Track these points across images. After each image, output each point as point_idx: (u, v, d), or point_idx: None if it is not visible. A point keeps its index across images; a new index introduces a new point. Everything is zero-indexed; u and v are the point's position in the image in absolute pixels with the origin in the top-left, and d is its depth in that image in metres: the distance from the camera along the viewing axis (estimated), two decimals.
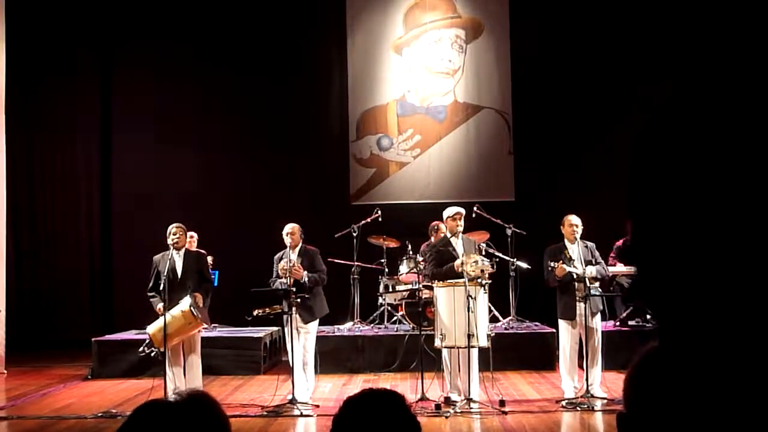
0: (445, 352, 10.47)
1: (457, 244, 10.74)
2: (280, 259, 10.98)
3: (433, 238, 13.61)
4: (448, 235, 10.92)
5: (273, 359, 14.01)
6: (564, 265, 10.23)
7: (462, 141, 17.66)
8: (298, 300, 10.56)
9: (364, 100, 17.84)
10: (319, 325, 11.56)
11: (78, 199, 18.14)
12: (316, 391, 11.45)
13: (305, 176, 17.54)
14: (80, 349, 14.92)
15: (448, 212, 10.94)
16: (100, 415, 10.07)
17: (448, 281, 10.38)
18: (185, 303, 10.42)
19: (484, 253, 11.27)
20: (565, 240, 10.62)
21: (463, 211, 10.94)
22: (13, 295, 16.05)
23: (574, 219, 10.66)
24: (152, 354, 10.60)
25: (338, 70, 17.89)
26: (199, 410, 2.08)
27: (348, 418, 2.60)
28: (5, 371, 14.00)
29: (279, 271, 10.69)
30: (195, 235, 13.50)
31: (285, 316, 10.77)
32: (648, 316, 13.71)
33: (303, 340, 10.87)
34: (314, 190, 17.36)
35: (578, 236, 10.59)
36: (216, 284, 13.47)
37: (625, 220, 1.65)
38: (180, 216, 11.78)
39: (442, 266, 10.63)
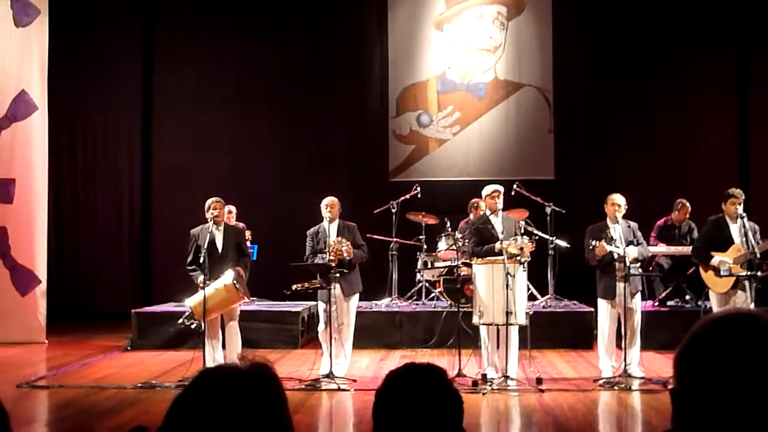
0: (483, 329, 10.46)
1: (497, 222, 10.71)
2: (316, 233, 10.96)
3: (472, 216, 13.59)
4: (488, 212, 10.90)
5: (310, 333, 14.05)
6: (605, 244, 10.17)
7: (502, 118, 17.57)
8: (337, 275, 10.57)
9: (404, 76, 17.78)
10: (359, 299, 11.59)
11: (118, 171, 18.22)
12: (353, 366, 11.48)
13: (344, 152, 17.52)
14: (119, 321, 15.04)
15: (487, 190, 10.91)
16: (139, 385, 10.15)
17: (488, 258, 10.36)
18: (228, 277, 10.47)
19: (523, 231, 11.24)
20: (608, 219, 10.55)
21: (501, 188, 10.89)
22: (53, 267, 16.18)
23: (617, 198, 10.57)
24: (192, 326, 10.65)
25: (379, 46, 17.84)
26: (260, 381, 2.09)
27: (390, 391, 2.61)
28: (46, 341, 14.13)
29: (329, 248, 10.63)
30: (234, 209, 13.53)
31: (322, 291, 10.77)
32: (687, 297, 13.65)
33: (342, 315, 10.86)
34: (353, 166, 17.34)
35: (620, 216, 10.51)
36: (254, 258, 13.53)
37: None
38: (218, 190, 11.83)
39: (482, 245, 10.61)
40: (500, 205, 10.76)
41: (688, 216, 13.88)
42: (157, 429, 2.09)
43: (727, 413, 1.68)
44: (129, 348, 13.45)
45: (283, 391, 2.15)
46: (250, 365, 2.13)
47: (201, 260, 10.43)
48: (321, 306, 10.94)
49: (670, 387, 1.80)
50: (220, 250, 10.77)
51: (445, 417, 2.59)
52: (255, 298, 14.09)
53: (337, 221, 10.91)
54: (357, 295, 11.18)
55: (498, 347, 10.32)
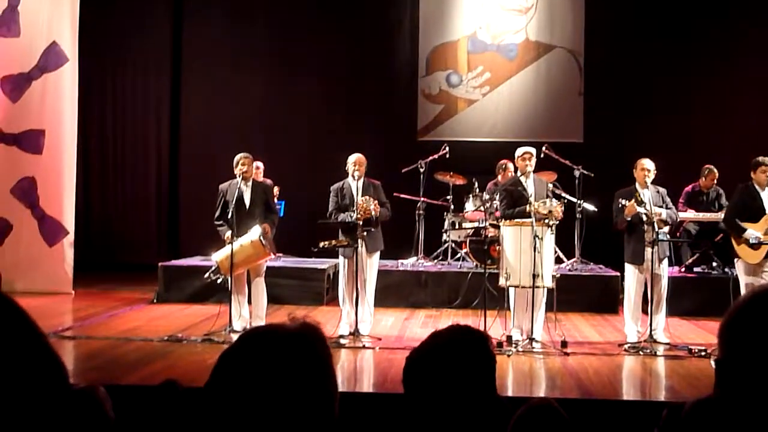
0: (512, 291, 10.46)
1: (528, 184, 10.68)
2: (341, 189, 10.96)
3: (500, 177, 13.58)
4: (519, 174, 10.87)
5: (335, 291, 14.09)
6: (635, 203, 10.12)
7: (532, 80, 17.50)
8: (365, 233, 10.58)
9: (434, 35, 17.71)
10: (382, 259, 11.61)
11: (147, 125, 18.29)
12: (377, 324, 11.52)
13: (373, 110, 17.45)
14: (146, 274, 15.11)
15: (518, 152, 10.89)
16: (166, 338, 10.20)
17: (516, 221, 10.34)
18: (255, 233, 10.51)
19: (552, 194, 11.21)
20: (636, 184, 10.49)
21: (533, 150, 10.85)
22: (81, 218, 16.26)
23: (647, 163, 10.51)
24: (218, 281, 10.71)
25: (410, 5, 17.74)
26: (308, 341, 2.09)
27: (433, 350, 2.62)
28: (73, 292, 14.22)
29: (356, 206, 10.63)
30: (261, 165, 13.55)
31: (344, 249, 10.80)
32: (714, 263, 13.61)
33: (366, 272, 10.87)
34: (382, 125, 17.27)
35: (650, 181, 10.46)
36: (282, 215, 13.55)
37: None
38: (247, 145, 11.83)
39: (513, 207, 10.59)
40: (530, 168, 10.72)
41: (715, 182, 13.82)
42: (203, 382, 2.10)
43: None
44: (155, 301, 13.53)
45: (330, 353, 2.15)
46: (299, 325, 2.12)
47: (228, 215, 10.49)
48: (342, 262, 10.97)
49: (714, 357, 1.79)
50: (247, 206, 10.80)
51: (480, 379, 2.60)
52: (281, 254, 14.19)
53: (362, 179, 10.89)
54: (378, 253, 11.19)
55: (525, 309, 10.32)
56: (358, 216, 10.52)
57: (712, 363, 1.78)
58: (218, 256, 10.67)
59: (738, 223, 10.41)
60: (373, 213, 10.55)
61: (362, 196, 10.67)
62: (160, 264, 14.09)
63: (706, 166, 13.89)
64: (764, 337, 1.70)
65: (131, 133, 18.28)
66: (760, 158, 10.43)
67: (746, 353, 1.72)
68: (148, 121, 18.29)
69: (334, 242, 10.75)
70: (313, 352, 2.08)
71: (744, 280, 10.36)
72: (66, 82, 14.52)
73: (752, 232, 10.22)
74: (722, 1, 16.92)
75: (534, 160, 10.80)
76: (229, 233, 10.49)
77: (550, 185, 11.67)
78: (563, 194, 13.05)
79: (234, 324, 10.68)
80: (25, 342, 2.24)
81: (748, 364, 1.71)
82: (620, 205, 10.27)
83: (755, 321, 1.73)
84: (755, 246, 10.16)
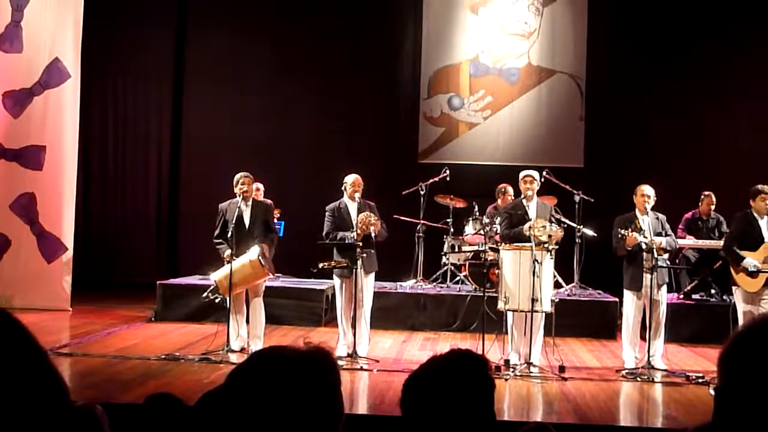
0: (510, 315, 10.46)
1: (531, 207, 10.71)
2: (337, 209, 10.95)
3: (500, 201, 13.61)
4: (521, 197, 10.90)
5: (334, 311, 14.07)
6: (636, 234, 10.14)
7: (534, 104, 17.54)
8: (364, 255, 10.59)
9: (437, 58, 17.76)
10: (381, 281, 11.61)
11: (148, 143, 18.32)
12: (375, 346, 11.53)
13: (375, 131, 17.48)
14: (144, 292, 15.10)
15: (521, 175, 10.94)
16: (163, 357, 10.19)
17: (515, 245, 10.35)
18: (254, 252, 10.52)
19: (552, 218, 11.23)
20: (636, 210, 10.51)
21: (535, 174, 10.89)
22: (80, 235, 16.26)
23: (647, 189, 10.52)
24: (216, 300, 10.74)
25: (413, 26, 17.80)
26: (319, 365, 2.10)
27: (432, 373, 2.62)
28: (70, 309, 14.19)
29: (356, 224, 10.63)
30: (261, 186, 13.58)
31: (343, 270, 10.78)
32: (712, 291, 13.61)
33: (362, 293, 10.85)
34: (383, 146, 17.30)
35: (650, 207, 10.47)
36: (281, 235, 13.55)
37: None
38: (248, 165, 11.84)
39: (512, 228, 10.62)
40: (531, 192, 10.75)
41: (713, 208, 13.83)
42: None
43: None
44: (153, 319, 13.50)
45: (339, 378, 2.16)
46: (312, 349, 2.14)
47: (228, 234, 10.50)
48: (338, 284, 10.96)
49: (713, 385, 1.80)
50: (247, 226, 10.83)
51: (479, 403, 2.60)
52: (280, 275, 14.17)
53: (357, 199, 10.89)
54: (374, 274, 11.18)
55: (524, 334, 10.32)
56: (358, 233, 10.52)
57: (711, 391, 1.78)
58: (217, 276, 10.69)
59: (736, 251, 10.41)
60: (372, 230, 10.54)
61: (364, 213, 10.68)
62: (158, 282, 14.08)
63: (704, 192, 13.91)
64: (764, 366, 1.70)
65: (132, 150, 18.30)
66: (760, 186, 10.44)
67: (745, 382, 1.72)
68: (149, 139, 18.32)
69: (333, 263, 10.75)
70: (324, 377, 2.09)
71: (742, 308, 10.35)
72: (68, 98, 14.54)
73: (750, 260, 10.22)
74: (723, 27, 16.94)
75: (536, 184, 10.83)
76: (228, 252, 10.51)
77: (553, 209, 11.68)
78: (563, 219, 13.06)
79: (232, 344, 10.68)
80: (27, 358, 2.25)
81: (747, 394, 1.71)
82: (620, 235, 10.27)
83: (755, 350, 1.74)
84: (753, 274, 10.17)
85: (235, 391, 2.04)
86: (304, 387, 2.03)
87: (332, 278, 11.21)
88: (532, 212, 10.66)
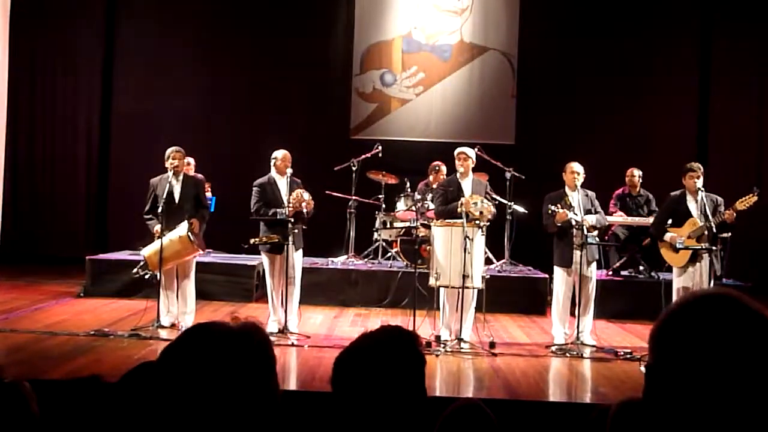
0: (441, 291, 10.50)
1: (466, 184, 10.75)
2: (267, 184, 10.87)
3: (432, 178, 13.62)
4: (457, 174, 10.91)
5: (265, 288, 14.05)
6: (566, 211, 10.22)
7: (465, 81, 17.57)
8: (295, 231, 10.57)
9: (369, 34, 17.70)
10: (312, 257, 11.58)
11: (77, 118, 18.03)
12: (306, 322, 11.52)
13: (306, 107, 17.40)
14: (73, 267, 14.93)
15: (455, 152, 10.97)
16: (92, 333, 10.09)
17: (446, 221, 10.38)
18: (182, 228, 10.45)
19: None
20: (566, 187, 10.60)
21: (468, 151, 10.91)
22: (8, 210, 16.03)
23: (576, 166, 10.62)
24: (146, 276, 10.66)
25: (345, 2, 17.72)
26: (251, 340, 2.08)
27: (361, 350, 2.61)
28: None
29: (288, 200, 10.59)
30: (192, 160, 13.44)
31: (271, 246, 10.75)
32: (641, 267, 13.77)
33: (292, 270, 10.81)
34: (315, 122, 17.22)
35: (579, 184, 10.56)
36: (212, 210, 13.46)
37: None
38: (178, 140, 11.70)
39: (447, 205, 10.65)
40: (462, 168, 10.78)
41: (639, 184, 13.91)
42: (121, 377, 2.08)
43: (699, 391, 1.69)
44: (82, 295, 13.36)
45: (272, 352, 2.15)
46: (242, 325, 2.12)
47: (158, 210, 10.40)
48: (266, 259, 10.93)
49: (644, 362, 1.81)
50: (177, 201, 10.73)
51: (410, 379, 2.60)
52: (211, 250, 14.10)
53: (287, 175, 10.83)
54: (301, 249, 11.16)
55: (456, 310, 10.36)
56: (290, 210, 10.49)
57: (642, 368, 1.80)
58: (146, 252, 10.61)
59: (663, 228, 10.55)
60: (305, 207, 10.52)
61: (289, 192, 10.63)
62: (87, 257, 13.93)
63: (630, 168, 14.02)
64: (694, 343, 1.72)
65: (61, 126, 18.00)
66: (690, 164, 10.55)
67: (676, 360, 1.73)
68: (78, 116, 18.02)
69: (264, 239, 10.72)
70: (256, 350, 2.07)
71: (676, 284, 10.47)
72: None
73: (672, 235, 10.35)
74: (647, 8, 17.12)
75: (471, 161, 10.85)
76: (158, 227, 10.43)
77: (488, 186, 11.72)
78: (494, 196, 13.11)
79: (162, 319, 10.62)
80: None
81: (678, 371, 1.72)
82: (550, 211, 10.34)
83: (686, 327, 1.75)
84: (677, 250, 10.30)
85: (169, 367, 2.02)
86: (240, 362, 2.01)
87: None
88: (466, 189, 10.69)
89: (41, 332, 10.15)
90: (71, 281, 14.34)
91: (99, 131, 18.03)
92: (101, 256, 14.48)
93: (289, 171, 10.78)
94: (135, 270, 10.78)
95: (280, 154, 10.98)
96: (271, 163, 10.98)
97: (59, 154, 17.98)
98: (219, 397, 1.96)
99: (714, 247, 10.16)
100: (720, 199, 10.40)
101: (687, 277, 10.33)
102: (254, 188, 10.91)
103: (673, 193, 10.73)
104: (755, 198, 10.19)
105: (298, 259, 11.01)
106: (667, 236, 10.41)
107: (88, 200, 18.00)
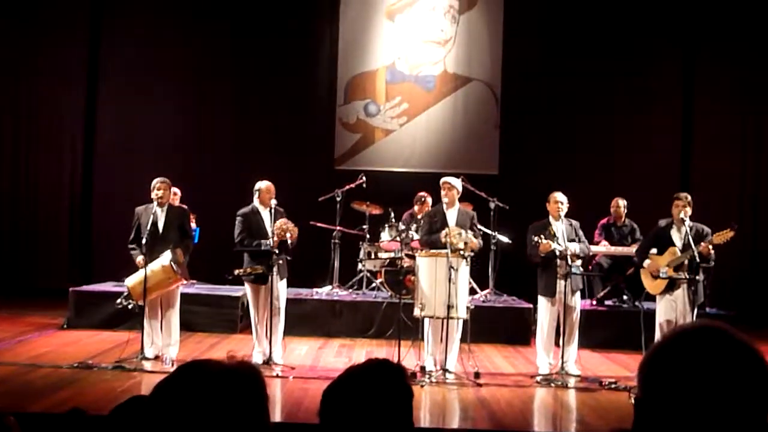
0: (426, 322, 10.49)
1: (451, 214, 10.78)
2: (251, 215, 10.89)
3: (416, 208, 13.64)
4: (443, 204, 10.94)
5: (249, 319, 14.01)
6: (550, 242, 10.25)
7: (449, 112, 17.61)
8: (280, 261, 10.57)
9: (353, 64, 17.74)
10: (297, 287, 11.57)
11: (61, 148, 17.94)
12: (291, 353, 11.49)
13: (291, 137, 17.37)
14: (56, 299, 14.85)
15: (441, 182, 10.99)
16: (76, 365, 10.05)
17: (431, 251, 10.40)
18: (166, 258, 10.43)
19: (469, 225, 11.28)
20: (550, 217, 10.64)
21: (452, 180, 10.95)
22: None
23: (559, 196, 10.67)
24: (129, 306, 10.61)
25: (329, 33, 17.75)
26: (246, 379, 2.09)
27: (349, 383, 2.61)
28: None
29: (274, 230, 10.59)
30: (178, 191, 13.44)
31: (255, 277, 10.75)
32: (624, 297, 13.80)
33: (277, 301, 10.80)
34: (299, 152, 17.19)
35: (563, 213, 10.61)
36: (196, 241, 13.44)
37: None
38: (162, 170, 11.68)
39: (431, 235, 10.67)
40: (447, 198, 10.81)
41: (623, 214, 13.98)
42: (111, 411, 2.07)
43: (689, 423, 1.70)
44: (65, 326, 13.29)
45: (265, 391, 2.16)
46: (237, 363, 2.12)
47: (142, 240, 10.40)
48: (249, 290, 10.93)
49: (633, 395, 1.82)
50: (161, 231, 10.72)
51: (398, 413, 2.60)
52: (195, 281, 14.06)
53: (271, 206, 10.85)
54: (285, 281, 11.16)
55: (440, 340, 10.36)
56: (275, 240, 10.49)
57: (632, 400, 1.80)
58: (130, 282, 10.59)
59: (645, 256, 10.60)
60: (289, 237, 10.53)
61: (273, 222, 10.64)
62: (70, 288, 13.87)
63: (615, 198, 14.08)
64: (683, 376, 1.73)
65: (44, 155, 17.89)
66: (677, 194, 10.63)
67: (664, 394, 1.74)
68: (62, 141, 17.91)
69: (249, 270, 10.71)
70: (252, 391, 2.08)
71: (659, 317, 10.48)
72: None
73: (651, 263, 10.41)
74: (630, 42, 17.24)
75: (455, 191, 10.88)
76: (141, 258, 10.42)
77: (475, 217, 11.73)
78: (478, 226, 13.16)
79: (146, 351, 10.58)
80: None
81: (665, 404, 1.73)
82: (534, 242, 10.37)
83: (675, 361, 1.76)
84: (656, 277, 10.35)
85: (162, 403, 2.02)
86: (232, 401, 2.01)
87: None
88: (451, 219, 10.72)
89: (24, 365, 10.10)
90: (54, 313, 14.25)
91: (82, 162, 17.94)
92: (85, 287, 14.42)
93: (274, 202, 10.80)
94: (119, 300, 10.74)
95: (263, 185, 11.00)
96: (255, 195, 10.99)
97: (42, 185, 17.88)
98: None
99: (697, 277, 10.21)
100: (707, 230, 10.43)
101: (669, 309, 10.36)
102: (237, 218, 10.93)
103: (661, 221, 10.78)
104: (732, 233, 10.22)
105: (282, 289, 11.01)
106: (646, 263, 10.48)
107: (71, 231, 17.89)
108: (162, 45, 17.59)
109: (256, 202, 10.95)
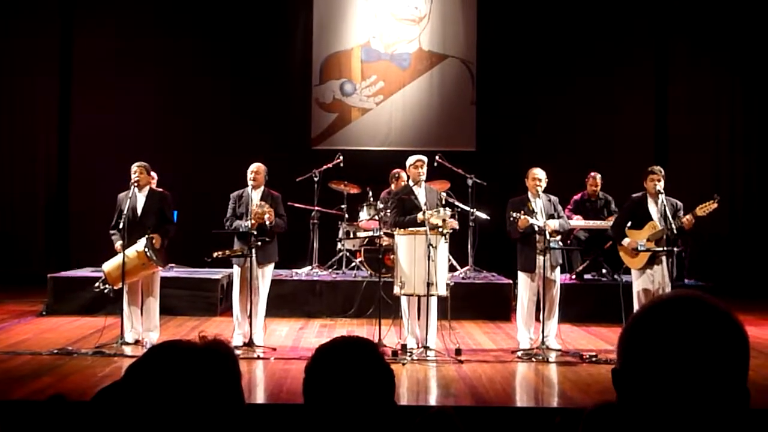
0: (404, 300, 10.49)
1: (420, 192, 10.75)
2: (240, 197, 10.93)
3: (393, 186, 13.61)
4: (411, 183, 10.92)
5: (229, 301, 13.97)
6: (527, 217, 10.27)
7: (425, 89, 17.59)
8: (258, 243, 10.54)
9: (328, 44, 17.68)
10: (276, 268, 11.55)
11: (36, 133, 17.84)
12: (272, 334, 11.49)
13: (267, 118, 17.30)
14: (35, 285, 14.79)
15: (410, 160, 10.94)
16: (55, 351, 10.01)
17: (410, 229, 10.38)
18: (140, 244, 10.42)
19: (444, 202, 11.27)
20: (528, 193, 10.64)
21: (425, 158, 10.91)
22: None
23: (538, 172, 10.66)
24: (106, 291, 10.60)
25: (304, 13, 17.67)
26: (216, 357, 2.07)
27: (322, 364, 2.60)
28: None
29: (250, 213, 10.59)
30: (155, 175, 13.37)
31: (239, 259, 10.76)
32: (603, 270, 13.85)
33: (258, 283, 10.82)
34: (275, 133, 17.12)
35: (541, 189, 10.61)
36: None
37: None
38: (140, 154, 11.65)
39: (404, 215, 10.64)
40: (423, 176, 10.79)
41: (599, 187, 14.03)
42: (92, 396, 2.06)
43: (667, 394, 1.70)
44: (44, 313, 13.26)
45: (238, 368, 2.14)
46: (207, 342, 2.11)
47: (121, 225, 10.36)
48: (236, 272, 10.93)
49: (612, 366, 1.82)
50: (139, 215, 10.69)
51: (378, 390, 2.59)
52: (173, 265, 14.02)
53: (261, 188, 10.91)
54: (272, 265, 11.17)
55: (419, 318, 10.37)
56: (252, 223, 10.48)
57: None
58: (107, 266, 10.59)
59: (623, 231, 10.63)
60: (267, 220, 10.51)
61: (259, 202, 10.65)
62: (49, 275, 13.81)
63: (590, 172, 14.13)
64: (662, 346, 1.73)
65: (19, 140, 17.80)
66: (651, 167, 10.63)
67: (645, 363, 1.74)
68: (37, 128, 17.81)
69: (227, 252, 10.70)
70: (224, 368, 2.07)
71: (636, 287, 10.53)
72: None
73: (631, 240, 10.44)
74: (609, 14, 17.25)
75: (426, 168, 10.86)
76: (119, 243, 10.39)
77: (443, 194, 11.72)
78: (456, 203, 13.16)
79: (126, 336, 10.55)
80: None
81: (647, 374, 1.73)
82: (512, 218, 10.37)
83: (653, 330, 1.76)
84: (635, 252, 10.38)
85: (134, 385, 2.01)
86: (205, 379, 2.00)
87: (228, 267, 11.15)
88: (421, 197, 10.70)
89: (4, 352, 10.06)
90: (33, 300, 14.19)
91: (57, 148, 17.83)
92: (63, 273, 14.37)
93: (252, 182, 10.80)
94: (96, 284, 10.73)
95: (251, 167, 11.02)
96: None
97: (18, 173, 17.78)
98: (184, 415, 1.96)
99: (675, 249, 10.26)
100: (680, 204, 10.48)
101: (646, 280, 10.41)
102: (230, 200, 11.01)
103: (633, 195, 10.81)
104: (715, 205, 10.28)
105: (266, 273, 11.03)
106: (626, 241, 10.51)
107: (47, 217, 17.80)
108: (133, 33, 17.46)
109: (249, 184, 10.94)
